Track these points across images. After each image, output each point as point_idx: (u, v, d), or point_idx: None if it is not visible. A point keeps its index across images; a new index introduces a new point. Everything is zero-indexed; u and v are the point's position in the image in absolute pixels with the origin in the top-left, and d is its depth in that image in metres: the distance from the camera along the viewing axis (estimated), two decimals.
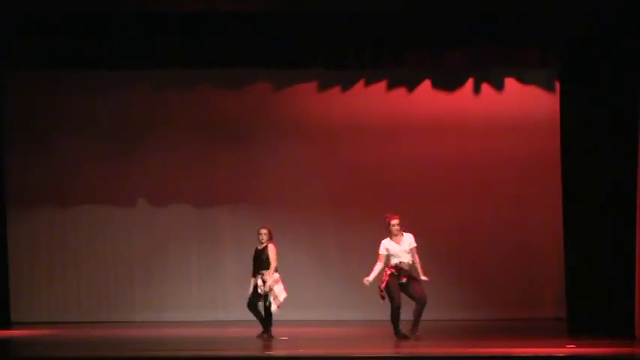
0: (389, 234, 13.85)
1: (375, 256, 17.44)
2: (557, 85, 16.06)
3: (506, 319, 17.12)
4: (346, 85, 17.84)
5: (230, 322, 16.62)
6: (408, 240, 13.84)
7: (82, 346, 14.11)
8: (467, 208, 17.49)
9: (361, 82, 17.79)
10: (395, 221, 13.83)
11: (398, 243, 13.80)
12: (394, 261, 13.79)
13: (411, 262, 13.79)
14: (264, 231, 14.51)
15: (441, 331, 13.90)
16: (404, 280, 13.72)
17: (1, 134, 17.55)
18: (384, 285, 13.71)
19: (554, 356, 12.36)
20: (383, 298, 13.77)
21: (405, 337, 13.65)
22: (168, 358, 12.89)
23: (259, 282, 14.27)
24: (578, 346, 13.05)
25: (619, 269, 14.57)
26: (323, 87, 17.87)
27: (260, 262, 14.37)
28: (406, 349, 13.08)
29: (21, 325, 16.97)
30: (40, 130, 17.87)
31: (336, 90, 17.88)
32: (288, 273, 16.84)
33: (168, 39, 15.28)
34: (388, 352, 12.84)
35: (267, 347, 13.66)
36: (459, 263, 17.02)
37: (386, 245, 13.84)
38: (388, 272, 13.75)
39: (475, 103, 17.72)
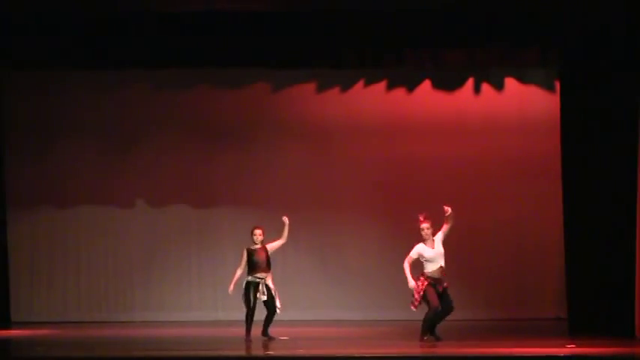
0: (421, 239, 13.69)
1: (373, 256, 17.58)
2: (557, 85, 16.06)
3: (506, 319, 17.13)
4: (346, 85, 17.84)
5: (230, 322, 16.61)
6: (439, 240, 13.72)
7: (82, 346, 14.10)
8: (466, 208, 17.44)
9: (361, 82, 17.80)
10: (425, 225, 13.62)
11: (432, 247, 13.66)
12: (430, 267, 13.62)
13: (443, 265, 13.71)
14: (258, 231, 14.46)
15: (441, 332, 13.88)
16: (440, 289, 13.65)
17: (1, 134, 17.55)
18: (421, 293, 13.56)
19: (554, 356, 12.37)
20: (416, 306, 13.62)
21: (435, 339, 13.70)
22: (168, 358, 12.88)
23: (262, 287, 14.26)
24: (578, 346, 13.05)
25: (619, 269, 14.58)
26: (322, 87, 17.88)
27: (261, 265, 14.33)
28: (406, 349, 13.06)
29: (21, 325, 16.96)
30: (40, 131, 17.88)
31: (335, 90, 17.89)
32: (288, 273, 16.91)
33: (167, 39, 15.28)
34: (388, 352, 12.83)
35: (267, 347, 13.66)
36: (459, 263, 16.92)
37: (420, 251, 13.63)
38: (425, 282, 13.58)
39: (475, 103, 17.73)
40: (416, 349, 13.12)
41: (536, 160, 17.42)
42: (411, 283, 13.56)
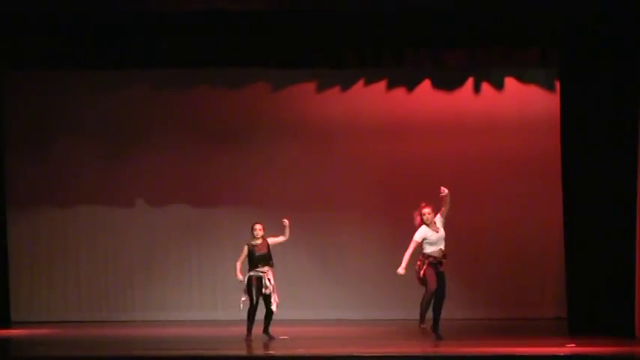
0: (424, 224, 13.83)
1: (373, 256, 17.57)
2: (557, 85, 16.06)
3: (506, 318, 17.14)
4: (346, 85, 17.84)
5: (230, 322, 16.62)
6: (440, 223, 13.89)
7: (82, 345, 14.11)
8: (466, 208, 17.47)
9: (361, 82, 17.79)
10: (426, 210, 13.83)
11: (436, 231, 13.82)
12: (431, 249, 13.77)
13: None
14: (258, 226, 14.46)
15: (441, 331, 13.89)
16: (441, 268, 13.80)
17: (1, 134, 17.55)
18: (422, 273, 13.71)
19: (554, 356, 12.37)
20: (422, 282, 13.80)
21: (426, 330, 13.76)
22: (168, 357, 12.89)
23: (265, 281, 14.25)
24: (578, 346, 13.06)
25: (619, 269, 14.58)
26: (322, 87, 17.88)
27: (263, 259, 14.33)
28: (406, 349, 13.07)
29: (21, 325, 16.97)
30: (40, 131, 17.88)
31: (335, 90, 17.89)
32: (288, 273, 16.91)
33: (167, 39, 15.29)
34: (388, 351, 12.83)
35: (267, 347, 13.67)
36: (458, 263, 16.94)
37: (424, 233, 13.80)
38: (427, 261, 13.74)
39: (475, 103, 17.73)
40: (416, 349, 13.12)
41: (536, 160, 17.41)
42: (401, 271, 13.62)
